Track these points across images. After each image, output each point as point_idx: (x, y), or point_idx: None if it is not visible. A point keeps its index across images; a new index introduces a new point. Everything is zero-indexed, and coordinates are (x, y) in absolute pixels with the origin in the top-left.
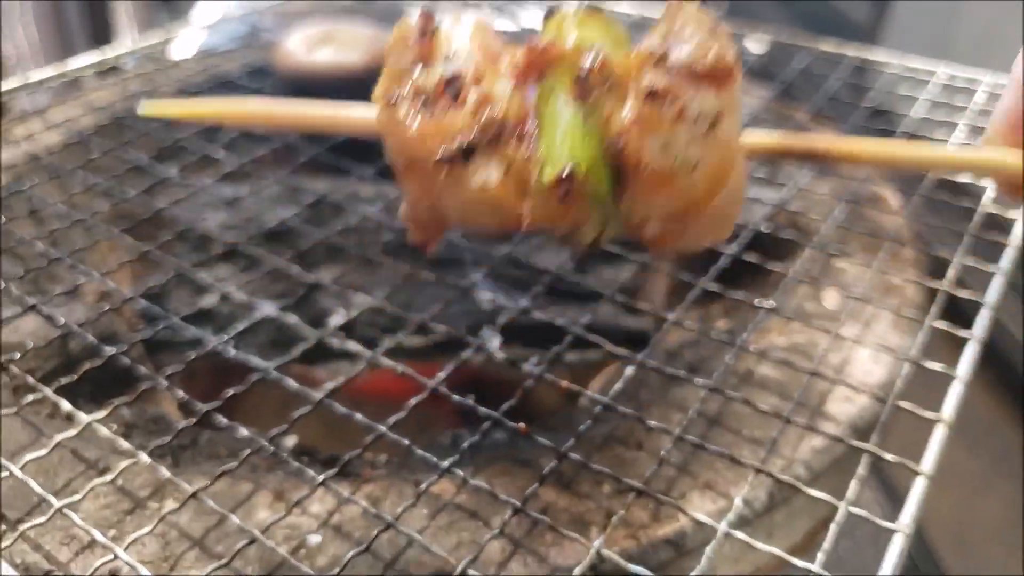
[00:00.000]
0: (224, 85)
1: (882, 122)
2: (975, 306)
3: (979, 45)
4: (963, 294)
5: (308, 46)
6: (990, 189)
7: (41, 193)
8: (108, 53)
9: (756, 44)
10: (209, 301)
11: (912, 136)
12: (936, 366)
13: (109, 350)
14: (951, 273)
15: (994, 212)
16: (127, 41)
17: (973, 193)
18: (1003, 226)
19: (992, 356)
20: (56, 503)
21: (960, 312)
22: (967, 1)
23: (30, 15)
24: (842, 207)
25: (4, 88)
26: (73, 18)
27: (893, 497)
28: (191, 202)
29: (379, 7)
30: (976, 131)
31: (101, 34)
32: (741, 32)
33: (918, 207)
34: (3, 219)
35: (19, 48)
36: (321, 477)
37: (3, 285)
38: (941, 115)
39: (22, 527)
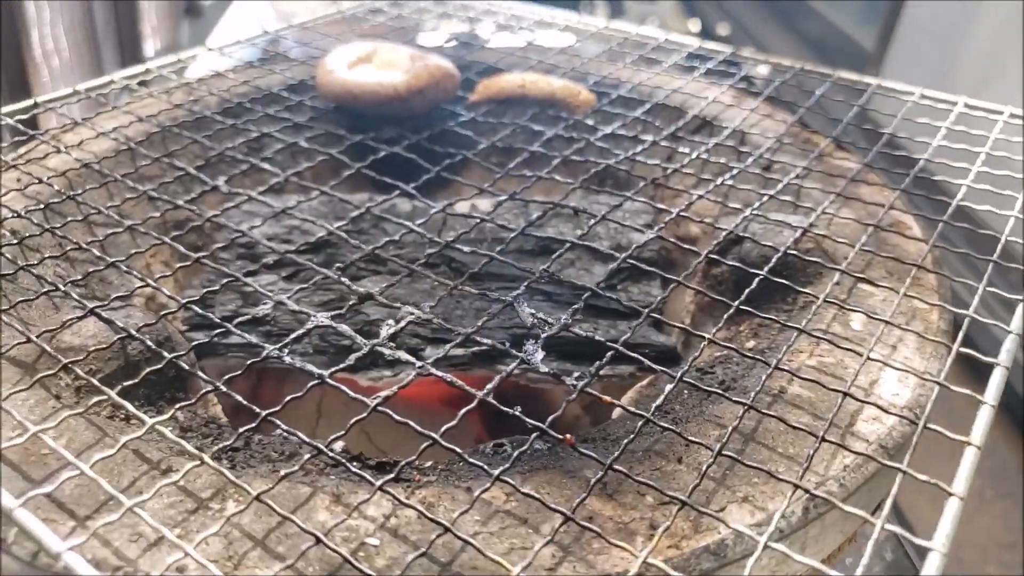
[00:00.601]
0: (267, 97)
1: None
2: (987, 332)
3: (981, 76)
4: (988, 321)
5: (349, 64)
6: (1011, 221)
7: (92, 199)
8: (152, 64)
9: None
10: (263, 309)
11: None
12: (964, 391)
13: (167, 354)
14: (975, 301)
15: (1014, 240)
16: (151, 53)
17: (994, 227)
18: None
19: (985, 372)
20: (127, 502)
21: (970, 337)
22: (969, 33)
23: (60, 27)
24: (866, 232)
25: (52, 95)
26: (102, 28)
27: (898, 515)
28: (236, 211)
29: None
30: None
31: (129, 45)
32: (753, 58)
33: (941, 234)
34: (56, 223)
35: (49, 60)
36: (379, 481)
37: (60, 288)
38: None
39: (93, 524)
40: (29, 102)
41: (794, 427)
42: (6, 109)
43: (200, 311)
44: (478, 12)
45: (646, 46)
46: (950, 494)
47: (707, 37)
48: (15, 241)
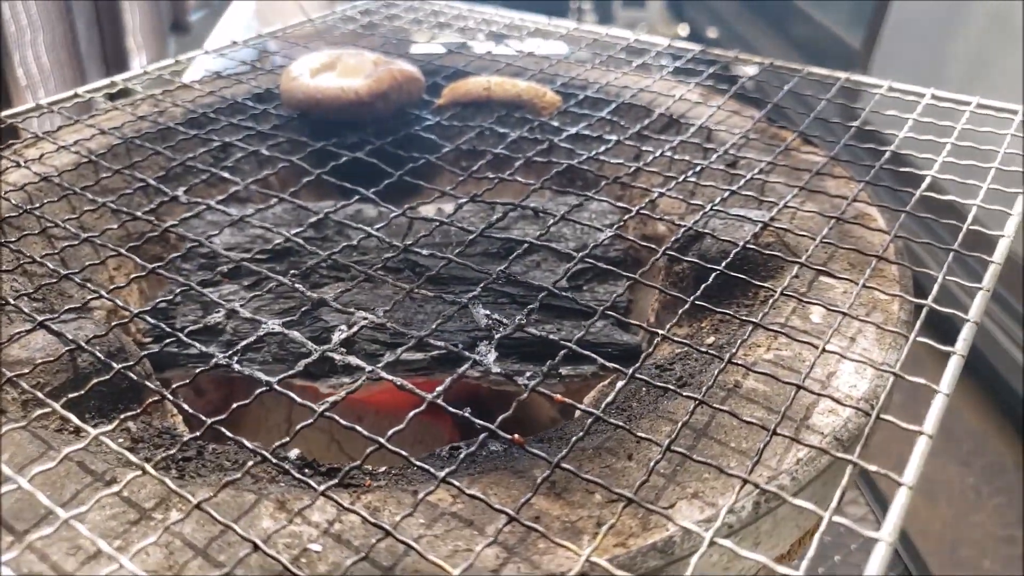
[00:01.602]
0: (231, 107)
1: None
2: (961, 322)
3: (968, 75)
4: (946, 310)
5: (312, 71)
6: (975, 208)
7: (51, 212)
8: (117, 77)
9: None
10: (215, 317)
11: (897, 156)
12: (918, 380)
13: (116, 365)
14: (935, 290)
15: (977, 229)
16: (136, 67)
17: (959, 211)
18: (987, 244)
19: (984, 372)
20: (63, 514)
21: (946, 329)
22: (955, 32)
23: (41, 44)
24: (828, 225)
25: (16, 110)
26: (86, 46)
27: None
28: (197, 221)
29: (383, 31)
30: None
31: (114, 62)
32: (722, 56)
33: (904, 225)
34: (12, 237)
35: (30, 75)
36: (322, 487)
37: (10, 302)
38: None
39: (29, 538)
40: None
41: (747, 421)
42: None
43: (154, 321)
44: (454, 17)
45: (615, 47)
46: (899, 484)
47: (696, 41)
48: None
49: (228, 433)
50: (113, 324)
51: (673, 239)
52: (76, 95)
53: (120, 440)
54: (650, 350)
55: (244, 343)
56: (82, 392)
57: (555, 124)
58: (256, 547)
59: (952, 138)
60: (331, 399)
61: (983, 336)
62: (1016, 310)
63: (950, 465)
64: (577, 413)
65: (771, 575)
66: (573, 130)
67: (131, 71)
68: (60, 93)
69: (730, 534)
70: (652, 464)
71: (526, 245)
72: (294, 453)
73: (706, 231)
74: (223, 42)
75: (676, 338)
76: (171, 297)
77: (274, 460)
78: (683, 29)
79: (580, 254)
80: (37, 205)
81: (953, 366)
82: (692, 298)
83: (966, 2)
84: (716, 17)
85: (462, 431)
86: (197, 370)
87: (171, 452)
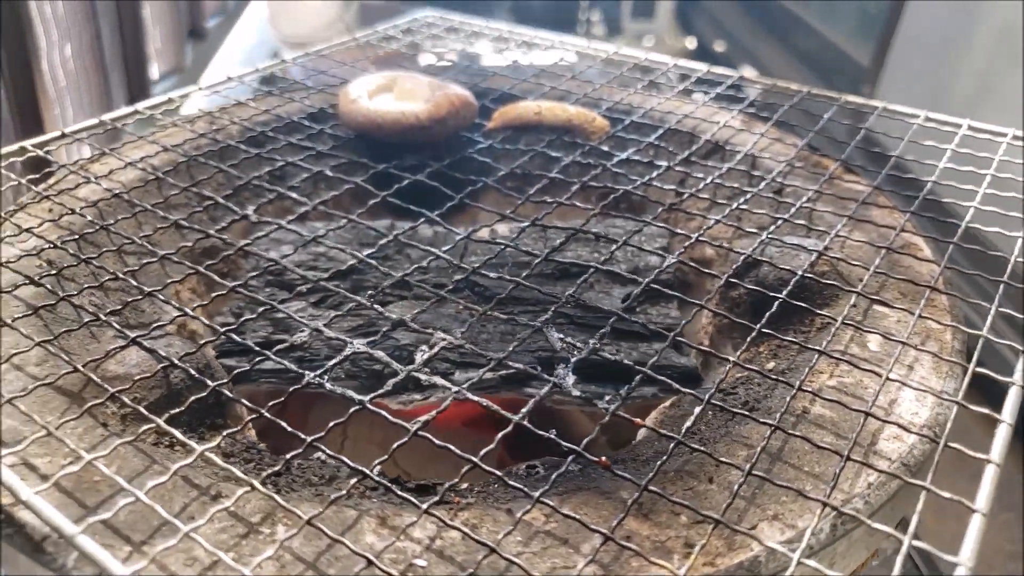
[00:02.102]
0: (287, 126)
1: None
2: (996, 353)
3: (977, 90)
4: (1001, 341)
5: (370, 93)
6: (1020, 242)
7: (124, 228)
8: (140, 105)
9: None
10: (301, 336)
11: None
12: (983, 409)
13: (210, 383)
14: (988, 321)
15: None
16: (155, 76)
17: (1003, 248)
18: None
19: (992, 389)
20: (183, 527)
21: (981, 359)
22: (963, 48)
23: (68, 52)
24: (879, 254)
25: (79, 126)
26: (110, 54)
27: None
28: (265, 239)
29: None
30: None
31: (135, 68)
32: (759, 83)
33: (952, 256)
34: (92, 253)
35: (56, 81)
36: (425, 504)
37: (101, 317)
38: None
39: (150, 550)
40: (56, 133)
41: (819, 447)
42: (34, 141)
43: (238, 340)
44: (474, 32)
45: (626, 64)
46: (973, 511)
47: (703, 54)
48: (52, 272)
49: (327, 451)
50: (202, 343)
51: (733, 266)
52: (138, 112)
53: (215, 455)
54: (723, 376)
55: (333, 362)
56: (181, 408)
57: (604, 149)
58: (369, 562)
59: (991, 169)
60: (422, 418)
61: (996, 358)
62: (1019, 324)
63: (959, 482)
64: (640, 433)
65: None
66: (623, 155)
67: (154, 99)
68: (86, 100)
69: (811, 555)
70: (736, 487)
71: (592, 270)
72: (376, 470)
73: (763, 259)
74: (238, 50)
75: (743, 364)
76: (249, 315)
77: (375, 478)
78: (691, 42)
79: (644, 279)
80: (111, 222)
81: (1014, 396)
82: (759, 325)
83: (972, 19)
84: (724, 31)
85: (510, 448)
86: (290, 388)
87: (272, 468)
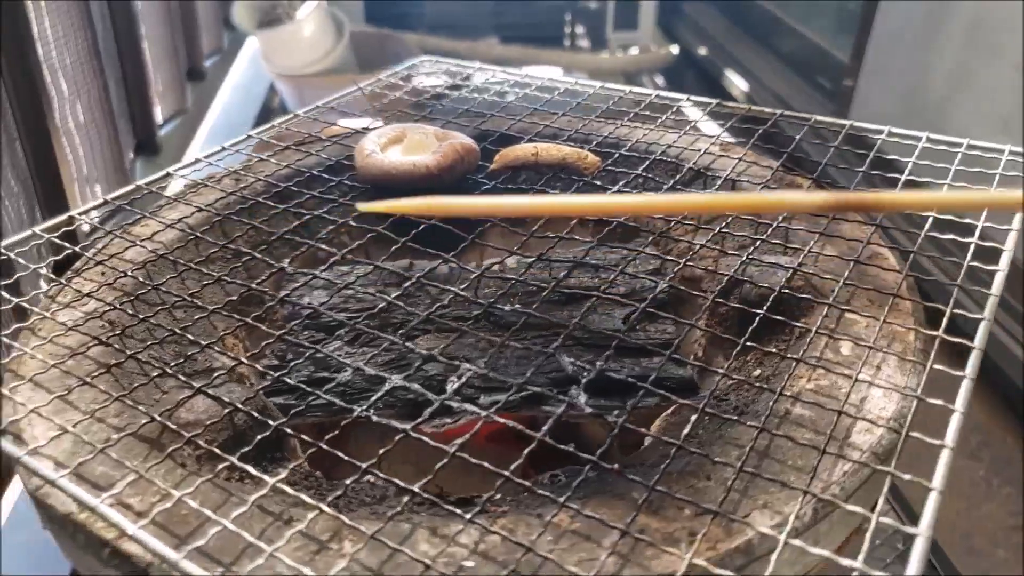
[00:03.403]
0: (308, 179)
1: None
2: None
3: (951, 81)
4: (955, 339)
5: (382, 146)
6: (972, 247)
7: (171, 287)
8: (143, 181)
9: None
10: (344, 376)
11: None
12: (937, 401)
13: (273, 423)
14: (944, 322)
15: (976, 265)
16: (159, 119)
17: (961, 252)
18: (987, 281)
19: (992, 372)
20: (267, 548)
21: (961, 348)
22: (935, 43)
23: (79, 105)
24: (848, 267)
25: (118, 193)
26: (117, 103)
27: (906, 508)
28: (303, 288)
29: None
30: None
31: (140, 114)
32: (735, 108)
33: (914, 264)
34: (149, 313)
35: (68, 134)
36: (469, 515)
37: (167, 371)
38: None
39: (240, 570)
40: (99, 201)
41: (800, 443)
42: (79, 210)
43: (290, 381)
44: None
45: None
46: (930, 489)
47: (686, 59)
48: (116, 332)
49: (382, 475)
50: (259, 388)
51: (718, 286)
52: (169, 174)
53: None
54: (715, 387)
55: (376, 396)
56: (250, 447)
57: (598, 183)
58: (427, 567)
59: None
60: (458, 441)
61: (990, 342)
62: (1018, 311)
63: (960, 459)
64: (648, 441)
65: (833, 566)
66: (614, 188)
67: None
68: (97, 150)
69: (797, 535)
70: (730, 483)
71: (595, 297)
72: (417, 487)
73: (744, 278)
74: (236, 88)
75: (731, 374)
76: (295, 358)
77: (424, 495)
78: (674, 48)
79: (642, 303)
80: (160, 281)
81: (965, 388)
82: (743, 340)
83: (944, 12)
84: (706, 36)
85: (530, 459)
86: (342, 422)
87: (336, 492)
